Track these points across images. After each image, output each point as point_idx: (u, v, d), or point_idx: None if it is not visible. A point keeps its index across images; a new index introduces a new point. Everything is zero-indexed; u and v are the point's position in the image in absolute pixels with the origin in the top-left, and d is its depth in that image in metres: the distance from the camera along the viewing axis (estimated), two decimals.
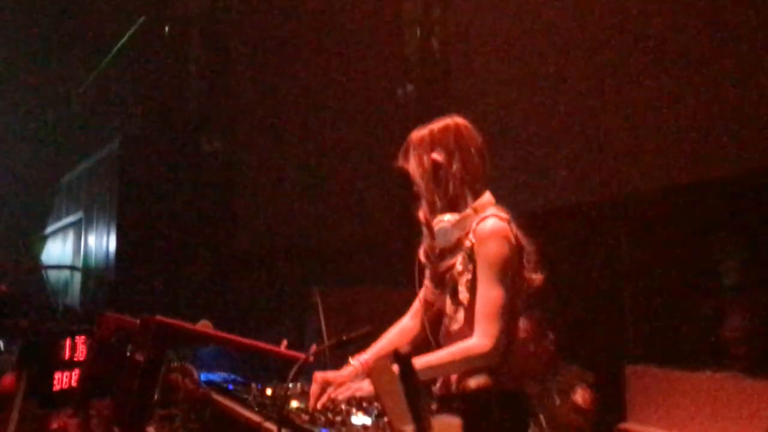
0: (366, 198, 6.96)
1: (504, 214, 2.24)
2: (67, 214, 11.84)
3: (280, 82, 8.10)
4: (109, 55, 10.15)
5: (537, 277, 2.23)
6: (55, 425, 2.60)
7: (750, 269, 3.96)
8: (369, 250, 6.50)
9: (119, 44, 9.84)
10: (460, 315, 2.22)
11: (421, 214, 2.33)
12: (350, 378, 2.23)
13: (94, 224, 9.97)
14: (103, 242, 9.39)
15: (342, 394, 2.08)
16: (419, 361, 2.13)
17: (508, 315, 2.14)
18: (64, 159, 11.86)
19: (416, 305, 2.47)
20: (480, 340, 2.10)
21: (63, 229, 12.09)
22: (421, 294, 2.42)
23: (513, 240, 2.19)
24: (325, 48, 7.66)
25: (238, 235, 8.45)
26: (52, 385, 2.89)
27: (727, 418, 3.41)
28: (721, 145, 4.01)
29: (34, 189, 12.59)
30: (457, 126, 2.35)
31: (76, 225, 11.18)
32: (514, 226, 2.22)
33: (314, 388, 2.21)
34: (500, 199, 2.33)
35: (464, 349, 2.12)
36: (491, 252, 2.16)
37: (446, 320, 2.27)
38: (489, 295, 2.13)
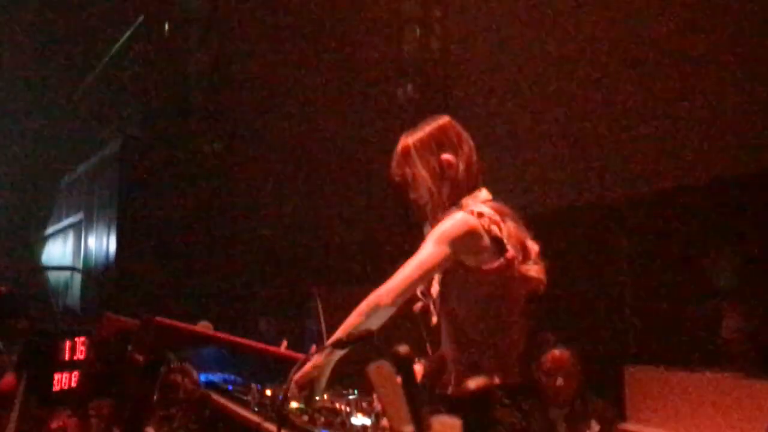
0: (366, 198, 6.96)
1: (487, 209, 2.15)
2: (68, 215, 11.83)
3: (279, 82, 8.10)
4: (109, 54, 10.14)
5: (530, 269, 2.15)
6: (54, 425, 2.60)
7: (749, 270, 3.96)
8: (369, 250, 6.50)
9: (119, 44, 9.84)
10: (435, 308, 2.19)
11: (431, 218, 2.24)
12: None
13: (95, 225, 9.97)
14: (103, 243, 9.38)
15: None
16: (341, 331, 2.09)
17: (427, 278, 2.10)
18: (64, 160, 11.85)
19: None
20: (379, 290, 2.07)
21: (63, 230, 12.08)
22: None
23: (474, 227, 2.10)
24: (325, 48, 7.66)
25: (238, 236, 8.45)
26: (52, 385, 2.90)
27: (726, 419, 3.40)
28: (721, 146, 4.01)
29: (34, 190, 12.58)
30: (452, 124, 2.28)
31: (76, 226, 11.17)
32: (487, 221, 2.12)
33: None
34: (499, 200, 2.30)
35: (365, 302, 2.09)
36: (439, 228, 2.11)
37: (430, 316, 2.24)
38: (415, 257, 2.07)
